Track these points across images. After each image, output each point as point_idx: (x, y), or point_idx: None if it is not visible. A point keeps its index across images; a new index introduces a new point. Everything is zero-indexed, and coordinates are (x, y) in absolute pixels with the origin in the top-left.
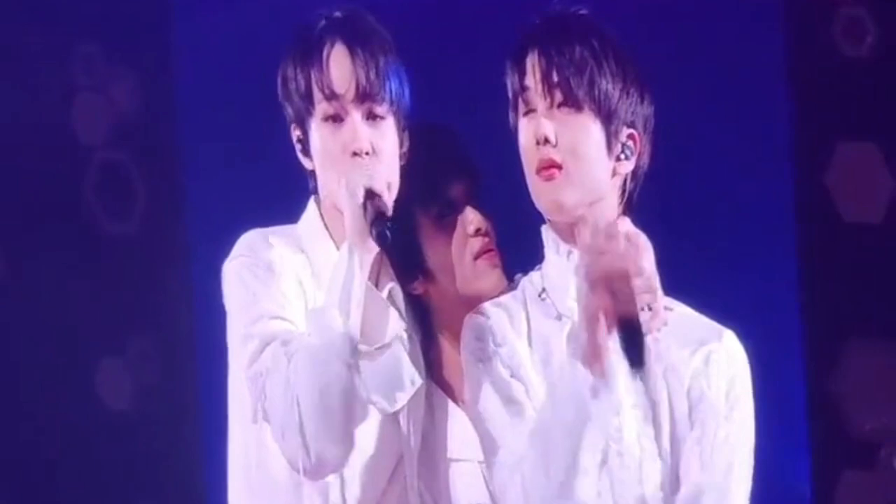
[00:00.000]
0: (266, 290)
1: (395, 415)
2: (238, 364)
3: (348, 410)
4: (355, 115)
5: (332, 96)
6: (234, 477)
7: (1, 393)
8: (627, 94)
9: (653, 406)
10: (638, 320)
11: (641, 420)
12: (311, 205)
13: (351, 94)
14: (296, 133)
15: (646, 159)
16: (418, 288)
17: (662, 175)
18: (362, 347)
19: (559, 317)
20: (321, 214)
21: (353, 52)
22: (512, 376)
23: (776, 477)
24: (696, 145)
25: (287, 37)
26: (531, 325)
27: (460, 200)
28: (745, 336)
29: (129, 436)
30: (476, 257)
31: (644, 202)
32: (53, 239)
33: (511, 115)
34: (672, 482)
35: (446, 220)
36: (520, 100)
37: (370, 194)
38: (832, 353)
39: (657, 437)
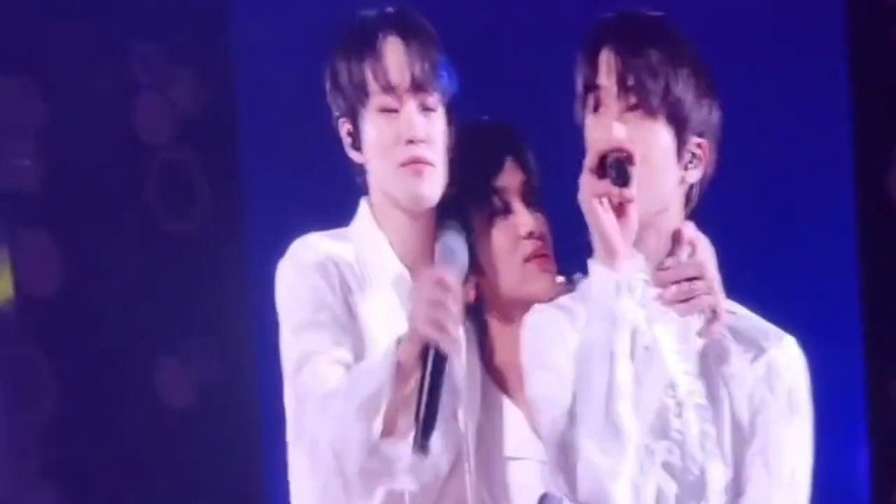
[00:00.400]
0: (311, 296)
1: (455, 411)
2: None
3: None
4: (410, 105)
5: (387, 87)
6: (296, 474)
7: (64, 391)
8: (699, 102)
9: (714, 408)
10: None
11: (703, 421)
12: (363, 205)
13: (406, 84)
14: (345, 127)
15: (711, 169)
16: (471, 284)
17: (723, 178)
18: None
19: None
20: (373, 214)
21: (407, 44)
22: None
23: (836, 480)
24: (756, 147)
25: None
26: None
27: (514, 201)
28: (806, 339)
29: (188, 434)
30: (527, 260)
31: (705, 205)
32: (115, 238)
33: (578, 108)
34: (734, 488)
35: (499, 220)
36: (590, 96)
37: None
38: (893, 355)
39: (719, 440)
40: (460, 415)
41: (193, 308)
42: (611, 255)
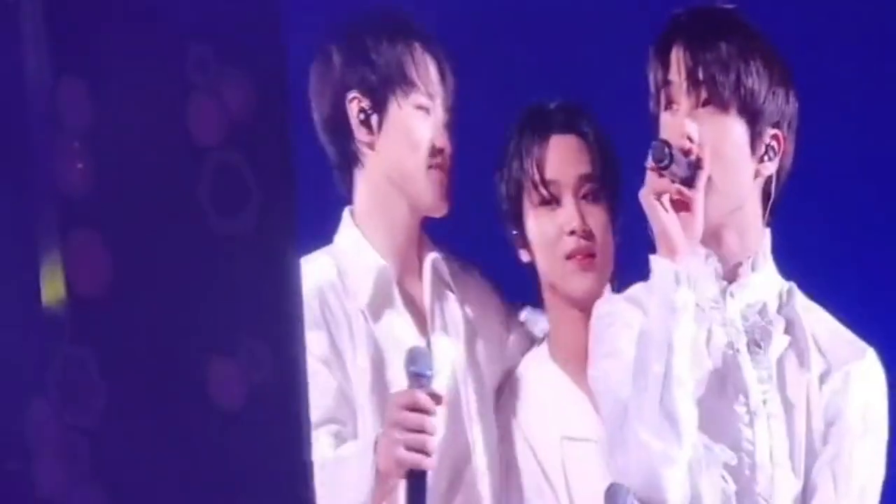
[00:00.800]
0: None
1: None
2: None
3: None
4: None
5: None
6: None
7: (114, 391)
8: (773, 93)
9: (787, 418)
10: None
11: (776, 432)
12: (345, 215)
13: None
14: (360, 104)
15: (789, 160)
16: (525, 256)
17: (803, 182)
18: None
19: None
20: (354, 216)
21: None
22: None
23: None
24: (835, 149)
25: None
26: None
27: (565, 194)
28: (880, 351)
29: (238, 436)
30: (568, 257)
31: (782, 211)
32: (166, 239)
33: (652, 106)
34: (801, 498)
35: (547, 210)
36: (662, 93)
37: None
38: None
39: (791, 451)
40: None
41: (245, 310)
42: (671, 252)
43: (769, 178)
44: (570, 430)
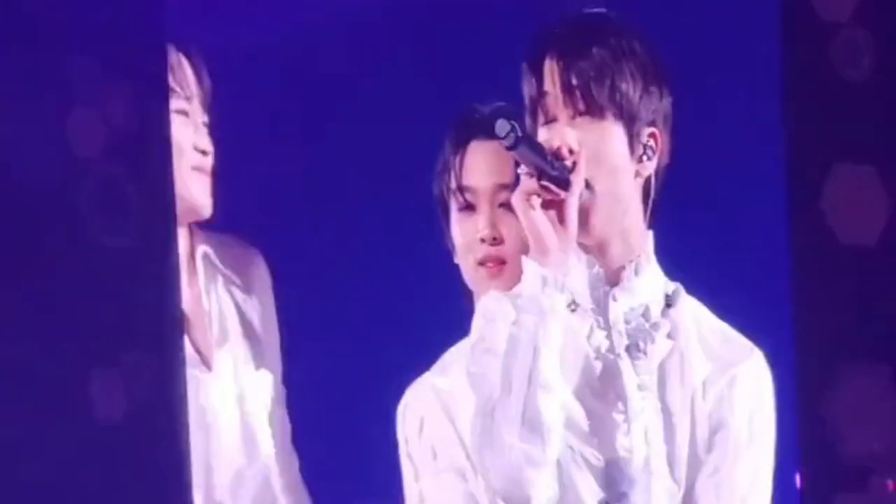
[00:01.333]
0: None
1: None
2: None
3: None
4: None
5: None
6: None
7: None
8: (648, 92)
9: (668, 425)
10: None
11: (654, 440)
12: None
13: None
14: None
15: (666, 158)
16: (455, 258)
17: (684, 180)
18: None
19: (574, 307)
20: None
21: None
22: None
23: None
24: (689, 165)
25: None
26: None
27: (481, 202)
28: (766, 352)
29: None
30: (480, 263)
31: (665, 211)
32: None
33: (528, 121)
34: None
35: (463, 216)
36: (539, 108)
37: None
38: (825, 376)
39: (670, 459)
40: None
41: (126, 321)
42: (542, 253)
43: (648, 177)
44: None
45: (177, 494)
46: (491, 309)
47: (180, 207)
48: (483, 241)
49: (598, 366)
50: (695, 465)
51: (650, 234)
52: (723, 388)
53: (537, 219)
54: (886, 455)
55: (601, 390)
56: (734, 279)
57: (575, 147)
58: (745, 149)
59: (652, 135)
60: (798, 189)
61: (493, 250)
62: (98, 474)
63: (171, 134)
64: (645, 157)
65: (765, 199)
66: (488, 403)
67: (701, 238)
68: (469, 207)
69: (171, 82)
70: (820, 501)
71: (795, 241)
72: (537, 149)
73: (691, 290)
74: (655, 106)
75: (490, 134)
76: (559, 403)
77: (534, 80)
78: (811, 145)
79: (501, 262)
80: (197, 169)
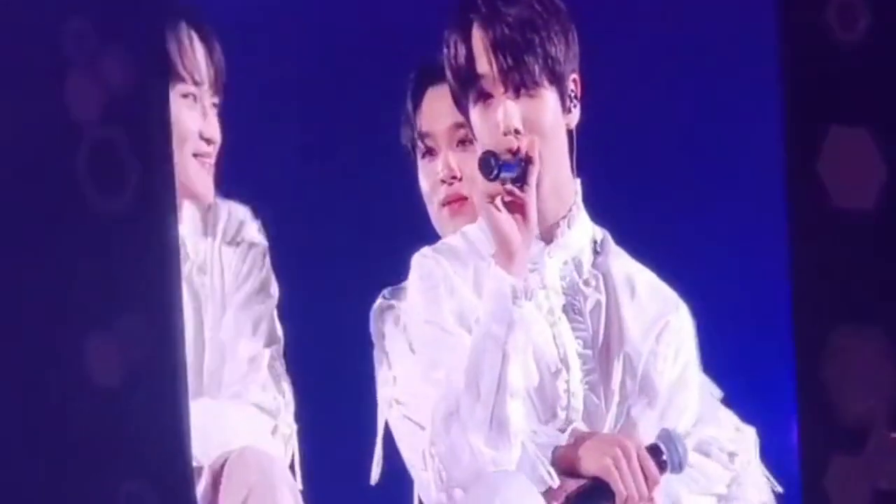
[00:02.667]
0: None
1: None
2: None
3: None
4: None
5: None
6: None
7: None
8: (567, 44)
9: (606, 378)
10: None
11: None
12: None
13: None
14: None
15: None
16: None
17: (653, 159)
18: None
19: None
20: None
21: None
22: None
23: (766, 462)
24: (685, 130)
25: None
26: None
27: (440, 145)
28: (736, 322)
29: (114, 413)
30: (443, 204)
31: (634, 186)
32: (43, 215)
33: (458, 98)
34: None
35: (425, 163)
36: (470, 86)
37: None
38: (822, 338)
39: (607, 414)
40: None
41: (123, 287)
42: (508, 256)
43: (571, 130)
44: None
45: (177, 456)
46: (430, 273)
47: (179, 191)
48: (443, 181)
49: (545, 334)
50: (622, 412)
51: (578, 182)
52: (651, 344)
53: (502, 220)
54: (882, 416)
55: (545, 359)
56: (730, 245)
57: (520, 128)
58: (741, 112)
59: (574, 80)
60: (794, 152)
61: (452, 189)
62: (96, 438)
63: (169, 98)
64: (571, 106)
65: (760, 162)
66: (448, 400)
67: (698, 205)
68: (430, 152)
69: (179, 66)
70: (817, 462)
71: (791, 204)
72: (505, 163)
73: (687, 259)
74: (574, 52)
75: (441, 78)
76: (523, 403)
77: (463, 58)
78: (806, 109)
79: (462, 198)
80: (200, 156)
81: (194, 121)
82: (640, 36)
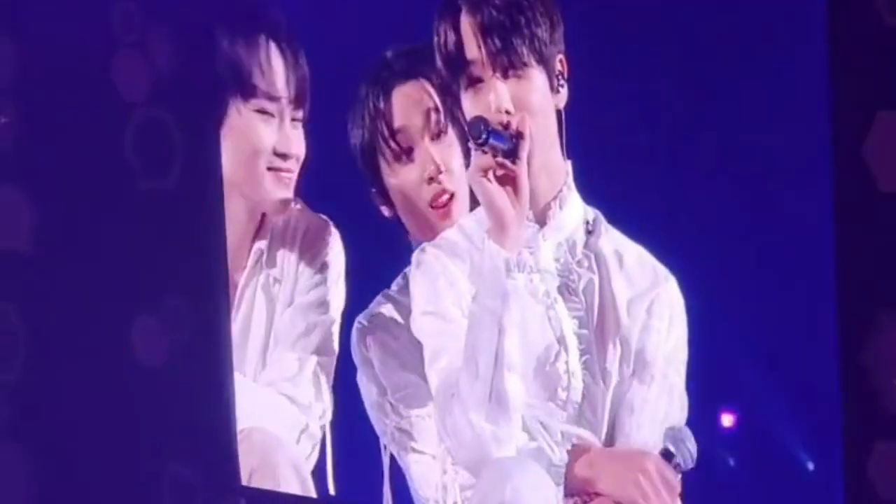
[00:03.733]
0: None
1: None
2: None
3: None
4: None
5: None
6: None
7: (34, 347)
8: (552, 25)
9: (601, 358)
10: None
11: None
12: None
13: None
14: None
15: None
16: (386, 211)
17: (701, 144)
18: None
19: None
20: None
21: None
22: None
23: (809, 448)
24: (732, 115)
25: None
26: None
27: (416, 142)
28: (780, 305)
29: (160, 393)
30: (432, 205)
31: (682, 171)
32: (90, 195)
33: (447, 81)
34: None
35: (403, 163)
36: (460, 72)
37: None
38: (866, 323)
39: (601, 390)
40: None
41: (169, 267)
42: (502, 229)
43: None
44: None
45: (221, 437)
46: (430, 266)
47: (252, 202)
48: (430, 179)
49: (540, 311)
50: (619, 391)
51: (569, 163)
52: (643, 316)
53: (495, 193)
54: None
55: (542, 341)
56: (776, 229)
57: (510, 108)
58: (789, 97)
59: (560, 61)
60: (841, 137)
61: (437, 187)
62: (142, 419)
63: (216, 78)
64: (559, 87)
65: (807, 147)
66: (447, 379)
67: (747, 190)
68: (405, 152)
69: (255, 81)
70: (860, 449)
71: (838, 189)
72: (494, 131)
73: (732, 243)
74: (559, 33)
75: (408, 75)
76: (521, 377)
77: (453, 44)
78: (854, 94)
79: (448, 194)
80: (275, 170)
81: (269, 136)
82: (693, 18)
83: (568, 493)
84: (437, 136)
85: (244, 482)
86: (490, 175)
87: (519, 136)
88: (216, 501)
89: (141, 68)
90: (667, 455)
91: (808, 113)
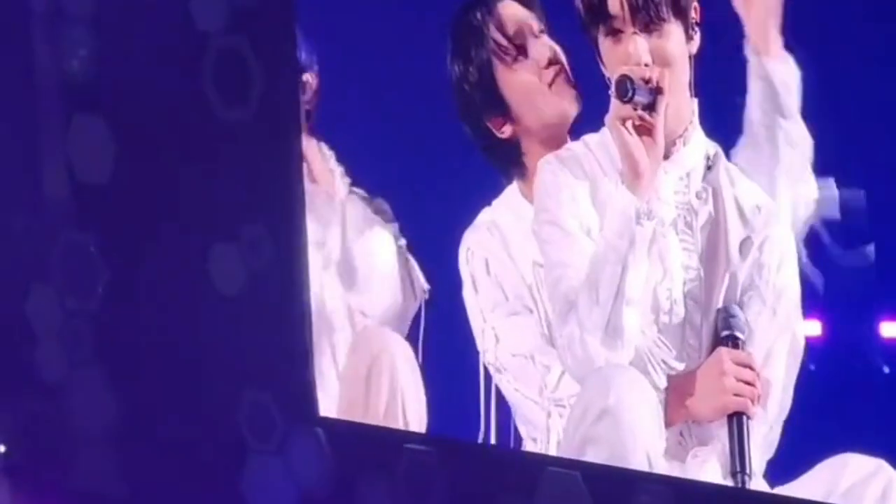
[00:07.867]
0: None
1: None
2: None
3: None
4: None
5: None
6: None
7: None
8: None
9: (709, 293)
10: None
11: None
12: None
13: None
14: None
15: None
16: (505, 131)
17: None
18: None
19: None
20: None
21: None
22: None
23: None
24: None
25: None
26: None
27: (529, 39)
28: None
29: (238, 320)
30: (551, 85)
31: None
32: (168, 125)
33: (588, 27)
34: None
35: (519, 63)
36: (600, 23)
37: None
38: None
39: (705, 312)
40: None
41: (246, 196)
42: (636, 177)
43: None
44: (538, 257)
45: (298, 366)
46: (554, 178)
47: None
48: (549, 62)
49: (653, 244)
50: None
51: (695, 101)
52: (754, 250)
53: (632, 142)
54: None
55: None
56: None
57: (649, 61)
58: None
59: (694, 9)
60: None
61: (558, 66)
62: (220, 344)
63: (293, 5)
64: (693, 34)
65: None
66: (565, 291)
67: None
68: (520, 51)
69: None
70: None
71: None
72: (639, 89)
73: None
74: None
75: None
76: (640, 311)
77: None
78: None
79: (567, 75)
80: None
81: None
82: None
83: (668, 425)
84: (540, 33)
85: (362, 378)
86: (629, 125)
87: (659, 91)
88: (293, 428)
89: None
90: (734, 340)
91: None
